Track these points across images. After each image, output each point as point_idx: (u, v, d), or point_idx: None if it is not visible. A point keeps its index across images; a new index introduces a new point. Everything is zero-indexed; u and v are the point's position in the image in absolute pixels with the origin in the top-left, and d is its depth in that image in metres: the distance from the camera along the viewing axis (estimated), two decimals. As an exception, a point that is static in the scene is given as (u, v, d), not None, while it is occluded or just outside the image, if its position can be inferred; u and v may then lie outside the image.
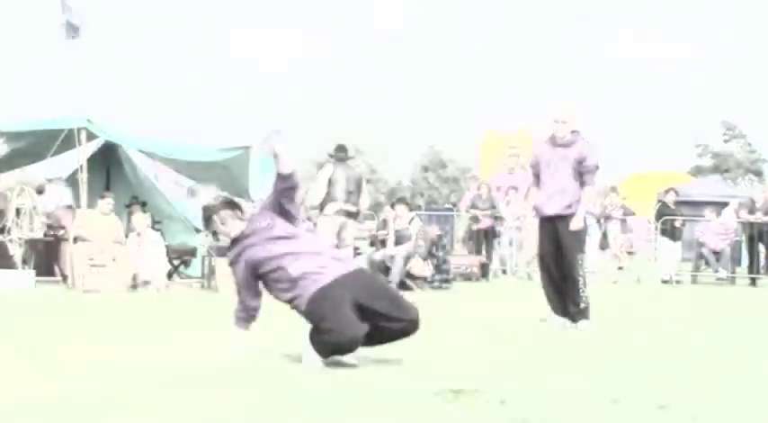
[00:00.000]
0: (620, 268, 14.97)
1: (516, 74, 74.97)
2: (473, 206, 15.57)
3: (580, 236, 7.12)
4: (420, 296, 10.03)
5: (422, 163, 48.00)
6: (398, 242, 11.74)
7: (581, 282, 6.92)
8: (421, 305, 4.85)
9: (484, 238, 15.02)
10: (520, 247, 14.89)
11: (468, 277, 13.38)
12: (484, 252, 14.96)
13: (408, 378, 4.48)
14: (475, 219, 15.26)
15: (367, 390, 4.09)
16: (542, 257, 7.34)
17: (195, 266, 11.80)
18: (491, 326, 7.00)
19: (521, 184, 13.74)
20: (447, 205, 25.37)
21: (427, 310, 5.21)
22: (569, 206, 6.99)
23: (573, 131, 6.76)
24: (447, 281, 11.91)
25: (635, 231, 16.37)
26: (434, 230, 12.67)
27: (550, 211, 7.03)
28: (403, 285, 10.87)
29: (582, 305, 6.94)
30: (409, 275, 11.22)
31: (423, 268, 11.37)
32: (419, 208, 21.92)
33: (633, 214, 15.54)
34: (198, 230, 12.40)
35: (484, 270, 14.07)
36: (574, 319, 6.90)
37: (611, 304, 9.08)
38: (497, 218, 15.26)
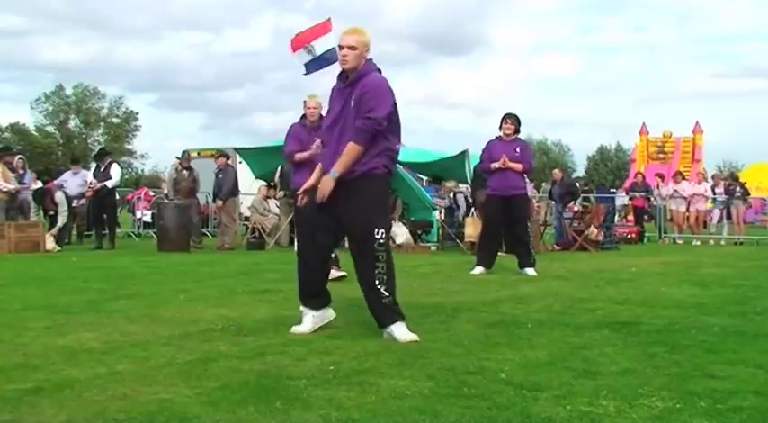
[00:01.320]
0: (740, 243, 17.66)
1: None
2: (631, 190, 19.77)
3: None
4: (591, 255, 13.67)
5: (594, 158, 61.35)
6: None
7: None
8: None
9: (639, 213, 18.52)
10: (669, 219, 18.43)
11: (628, 241, 16.54)
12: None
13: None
14: (632, 198, 18.84)
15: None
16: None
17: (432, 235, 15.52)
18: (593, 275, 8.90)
19: (665, 172, 18.03)
20: (612, 189, 29.64)
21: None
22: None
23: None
24: (613, 243, 15.06)
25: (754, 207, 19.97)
26: (604, 209, 15.87)
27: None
28: (582, 247, 14.29)
29: (532, 258, 9.13)
30: (586, 240, 14.15)
31: (597, 235, 14.35)
32: (592, 191, 26.35)
33: (750, 194, 18.21)
34: (434, 208, 17.11)
35: (640, 236, 17.42)
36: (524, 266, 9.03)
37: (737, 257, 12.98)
38: (648, 198, 18.72)
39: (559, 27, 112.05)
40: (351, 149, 4.52)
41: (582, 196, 17.22)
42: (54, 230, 13.63)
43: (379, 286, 4.56)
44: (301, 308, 4.88)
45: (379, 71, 4.72)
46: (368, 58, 4.67)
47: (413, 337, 4.51)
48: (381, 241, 4.53)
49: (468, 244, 13.74)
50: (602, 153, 63.38)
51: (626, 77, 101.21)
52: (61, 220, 13.78)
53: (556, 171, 17.41)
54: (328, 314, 4.87)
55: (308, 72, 12.53)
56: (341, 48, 4.62)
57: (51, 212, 13.87)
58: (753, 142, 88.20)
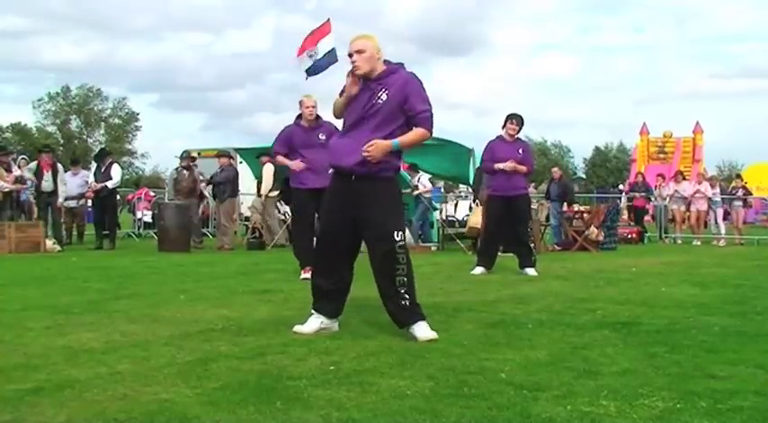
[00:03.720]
0: (741, 243, 17.66)
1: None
2: (632, 190, 19.76)
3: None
4: (591, 255, 13.65)
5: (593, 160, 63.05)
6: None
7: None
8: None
9: (639, 213, 18.57)
10: (670, 219, 18.38)
11: (628, 241, 16.50)
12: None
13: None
14: (632, 198, 18.84)
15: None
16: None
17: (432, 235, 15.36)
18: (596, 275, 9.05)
19: (666, 172, 18.01)
20: (612, 189, 29.71)
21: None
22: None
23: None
24: (614, 242, 15.02)
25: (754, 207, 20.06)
26: (604, 209, 16.53)
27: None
28: (582, 247, 14.57)
29: (533, 258, 9.13)
30: (586, 240, 14.19)
31: (597, 235, 14.28)
32: (592, 191, 26.45)
33: (752, 194, 18.44)
34: (435, 208, 16.99)
35: (640, 236, 17.37)
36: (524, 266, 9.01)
37: (736, 256, 12.97)
38: (649, 198, 18.73)
39: (559, 28, 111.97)
40: (420, 133, 4.58)
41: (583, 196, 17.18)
42: (60, 201, 13.74)
43: (400, 289, 4.55)
44: (312, 311, 4.84)
45: (402, 64, 4.69)
46: (382, 59, 4.60)
47: (433, 335, 4.53)
48: (401, 244, 4.52)
49: (471, 239, 13.76)
50: (599, 154, 63.48)
51: (625, 78, 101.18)
52: (62, 188, 13.81)
53: (555, 169, 17.37)
54: (334, 326, 4.83)
55: (309, 76, 12.58)
56: (350, 55, 4.55)
57: (46, 181, 13.68)
58: (752, 142, 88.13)
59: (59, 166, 14.27)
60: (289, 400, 3.18)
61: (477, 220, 13.76)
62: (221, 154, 15.16)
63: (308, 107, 7.90)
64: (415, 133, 4.56)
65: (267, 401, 3.14)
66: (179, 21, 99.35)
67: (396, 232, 4.52)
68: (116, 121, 69.08)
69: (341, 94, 4.70)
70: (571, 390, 3.36)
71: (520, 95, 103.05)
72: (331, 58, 12.73)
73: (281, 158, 8.01)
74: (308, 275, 7.88)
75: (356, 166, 4.56)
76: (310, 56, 12.61)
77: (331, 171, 4.83)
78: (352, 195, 4.61)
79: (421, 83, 4.62)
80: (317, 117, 7.98)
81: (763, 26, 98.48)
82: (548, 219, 16.24)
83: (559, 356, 4.09)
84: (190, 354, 4.10)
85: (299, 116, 7.99)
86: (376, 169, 4.55)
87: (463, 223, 16.17)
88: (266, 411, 3.01)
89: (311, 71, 12.53)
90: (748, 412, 3.03)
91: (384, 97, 4.51)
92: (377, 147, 4.47)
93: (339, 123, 5.01)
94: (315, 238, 7.75)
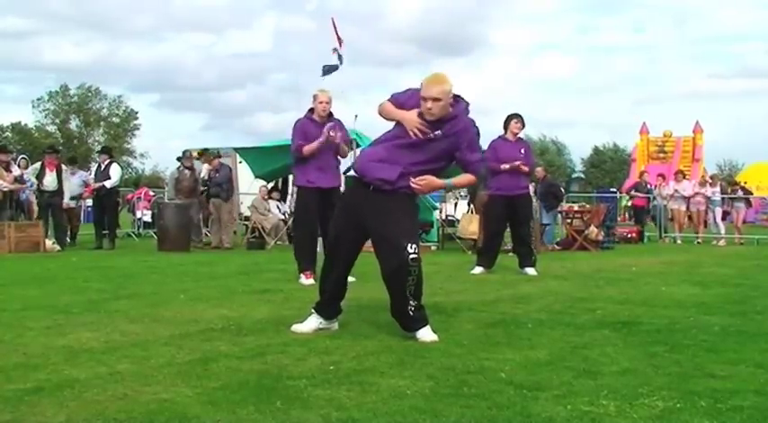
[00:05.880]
0: (741, 243, 17.64)
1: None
2: (635, 189, 19.84)
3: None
4: (591, 254, 13.72)
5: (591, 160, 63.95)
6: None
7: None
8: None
9: (640, 213, 18.64)
10: (670, 218, 18.42)
11: (628, 241, 16.55)
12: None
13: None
14: (632, 198, 18.89)
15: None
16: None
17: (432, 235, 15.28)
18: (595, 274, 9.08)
19: (667, 172, 17.95)
20: (612, 189, 29.82)
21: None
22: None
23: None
24: (612, 241, 15.28)
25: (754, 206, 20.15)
26: (604, 208, 16.53)
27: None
28: (582, 247, 14.51)
29: (533, 257, 9.19)
30: (586, 239, 14.24)
31: (597, 234, 14.37)
32: (591, 191, 26.52)
33: (752, 194, 18.64)
34: (435, 208, 16.98)
35: (640, 236, 17.37)
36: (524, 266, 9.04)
37: (737, 256, 12.99)
38: (649, 198, 18.69)
39: (558, 28, 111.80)
40: (472, 179, 4.81)
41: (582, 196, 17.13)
42: (65, 201, 13.70)
43: (408, 297, 4.56)
44: (312, 311, 4.87)
45: (467, 105, 4.68)
46: (452, 95, 4.58)
47: (434, 337, 4.55)
48: (413, 256, 4.48)
49: (468, 241, 13.72)
50: (598, 154, 63.62)
51: (625, 78, 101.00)
52: (66, 187, 13.74)
53: (539, 169, 17.10)
54: (333, 326, 4.86)
55: (324, 75, 12.72)
56: (424, 100, 4.48)
57: (49, 181, 13.58)
58: (752, 142, 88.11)
59: (63, 167, 14.15)
60: (289, 399, 3.18)
61: (466, 225, 13.75)
62: (212, 156, 15.05)
63: (321, 102, 7.75)
64: (467, 178, 4.78)
65: (267, 401, 3.14)
66: (180, 21, 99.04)
67: (409, 244, 4.48)
68: (114, 119, 68.98)
69: (390, 99, 4.70)
70: (571, 389, 3.37)
71: (520, 95, 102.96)
72: (339, 60, 12.84)
73: (307, 148, 7.69)
74: (311, 281, 7.54)
75: (380, 181, 4.55)
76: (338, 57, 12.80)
77: (350, 173, 4.82)
78: (366, 204, 4.60)
79: (477, 131, 4.70)
80: (330, 114, 7.90)
81: (763, 26, 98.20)
82: (547, 218, 16.22)
83: (559, 356, 4.09)
84: (190, 354, 4.10)
85: (311, 110, 7.89)
86: (398, 187, 4.54)
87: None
88: (266, 411, 3.01)
89: (326, 71, 12.68)
90: (748, 412, 3.04)
91: (438, 134, 4.52)
92: (429, 184, 4.57)
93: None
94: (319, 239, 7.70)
